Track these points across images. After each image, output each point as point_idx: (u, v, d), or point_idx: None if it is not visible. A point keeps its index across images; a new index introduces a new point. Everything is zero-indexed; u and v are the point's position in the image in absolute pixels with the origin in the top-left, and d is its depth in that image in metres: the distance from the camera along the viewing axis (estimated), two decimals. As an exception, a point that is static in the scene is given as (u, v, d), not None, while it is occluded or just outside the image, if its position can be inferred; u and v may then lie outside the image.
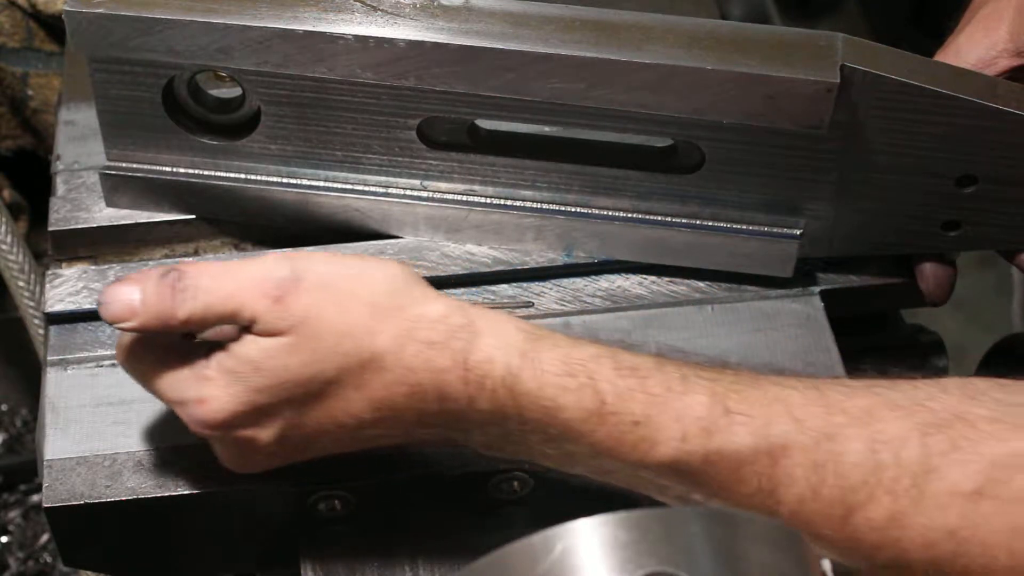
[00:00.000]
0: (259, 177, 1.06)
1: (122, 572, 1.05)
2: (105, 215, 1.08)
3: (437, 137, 1.03)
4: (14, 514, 1.81)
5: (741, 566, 0.70)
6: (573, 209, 1.05)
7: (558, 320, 1.05)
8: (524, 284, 1.07)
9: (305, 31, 0.96)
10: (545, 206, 1.05)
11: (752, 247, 1.04)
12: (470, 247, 1.07)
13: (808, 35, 0.95)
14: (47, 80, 1.42)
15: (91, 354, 1.03)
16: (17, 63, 1.42)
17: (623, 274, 1.07)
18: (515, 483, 0.98)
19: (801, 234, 1.03)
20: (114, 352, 1.02)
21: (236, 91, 1.04)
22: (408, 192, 1.05)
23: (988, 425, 0.82)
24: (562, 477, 0.99)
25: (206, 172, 1.06)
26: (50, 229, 1.08)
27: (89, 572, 1.16)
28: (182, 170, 1.06)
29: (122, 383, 1.02)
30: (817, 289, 1.07)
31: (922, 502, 0.81)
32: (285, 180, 1.06)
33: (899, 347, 1.14)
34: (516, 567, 0.68)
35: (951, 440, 0.82)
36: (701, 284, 1.07)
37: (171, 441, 0.99)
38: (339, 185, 1.06)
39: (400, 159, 1.04)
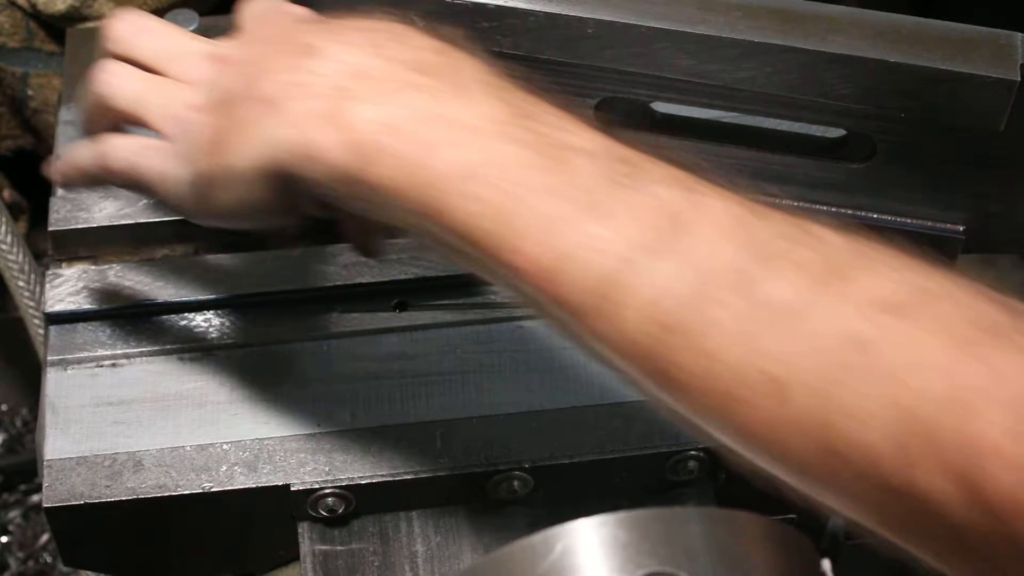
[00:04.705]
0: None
1: (122, 572, 1.05)
2: (105, 215, 1.08)
3: (613, 117, 1.03)
4: (14, 514, 1.82)
5: (741, 566, 0.70)
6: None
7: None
8: (524, 284, 1.06)
9: (497, 6, 0.95)
10: None
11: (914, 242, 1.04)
12: (470, 247, 1.07)
13: (989, 33, 0.96)
14: (47, 80, 1.42)
15: (91, 354, 1.03)
16: (17, 63, 1.42)
17: (623, 274, 1.07)
18: (515, 483, 0.98)
19: (964, 231, 1.04)
20: (114, 352, 1.03)
21: None
22: None
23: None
24: (562, 477, 0.99)
25: None
26: (50, 229, 1.08)
27: (89, 572, 1.16)
28: None
29: (122, 383, 1.02)
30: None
31: (828, 289, 0.69)
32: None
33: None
34: (516, 567, 0.69)
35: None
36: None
37: (171, 441, 0.99)
38: None
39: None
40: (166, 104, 0.86)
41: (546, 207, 0.73)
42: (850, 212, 1.05)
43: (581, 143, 0.76)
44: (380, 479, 0.97)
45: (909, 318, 0.67)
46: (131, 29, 0.90)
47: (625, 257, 0.71)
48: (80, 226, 1.08)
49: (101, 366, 1.03)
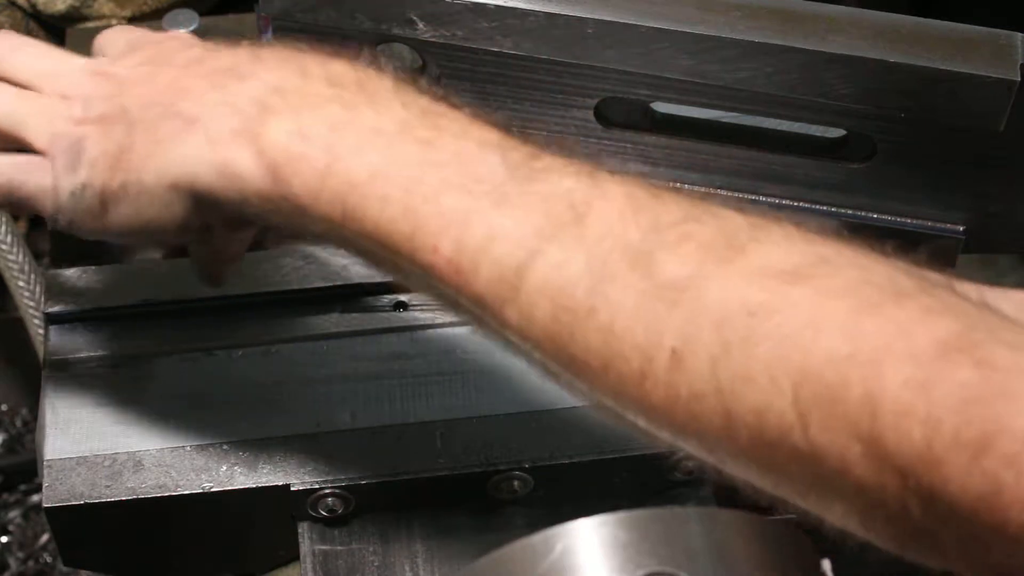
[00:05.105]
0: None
1: (122, 572, 1.05)
2: (105, 215, 1.08)
3: (613, 117, 1.03)
4: (14, 514, 1.81)
5: (741, 566, 0.70)
6: (742, 195, 1.05)
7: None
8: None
9: (496, 6, 0.96)
10: (715, 191, 1.05)
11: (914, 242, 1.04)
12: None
13: (989, 33, 0.96)
14: (47, 80, 1.42)
15: (91, 354, 1.03)
16: (17, 63, 1.41)
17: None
18: (515, 483, 0.98)
19: (964, 231, 1.04)
20: (114, 352, 1.03)
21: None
22: None
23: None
24: (562, 477, 0.99)
25: None
26: (50, 229, 1.08)
27: (89, 572, 1.16)
28: None
29: (122, 383, 1.02)
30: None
31: (723, 262, 0.69)
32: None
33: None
34: (516, 567, 0.69)
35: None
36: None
37: (171, 441, 0.99)
38: None
39: (574, 137, 1.04)
40: (46, 120, 0.85)
41: (457, 204, 0.74)
42: (850, 212, 1.05)
43: (487, 139, 0.77)
44: (380, 479, 0.97)
45: (807, 284, 0.67)
46: (4, 46, 0.89)
47: (532, 246, 0.72)
48: (80, 226, 1.08)
49: (101, 366, 1.03)
